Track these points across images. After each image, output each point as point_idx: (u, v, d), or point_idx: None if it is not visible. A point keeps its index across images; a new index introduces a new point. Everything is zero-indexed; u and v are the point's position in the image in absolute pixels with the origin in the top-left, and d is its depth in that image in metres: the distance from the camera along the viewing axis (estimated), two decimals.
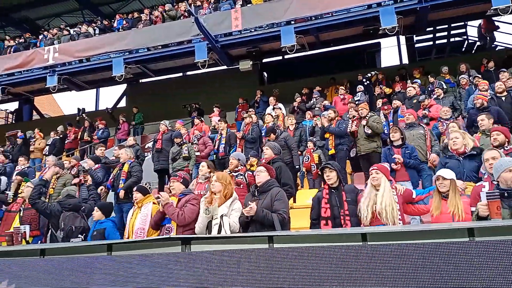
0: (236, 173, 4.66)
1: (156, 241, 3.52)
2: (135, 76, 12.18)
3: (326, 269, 2.79)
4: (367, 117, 5.87)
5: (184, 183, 4.25)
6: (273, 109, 8.78)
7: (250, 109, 9.14)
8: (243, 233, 3.41)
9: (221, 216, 3.49)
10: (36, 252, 3.84)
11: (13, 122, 15.59)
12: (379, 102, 7.93)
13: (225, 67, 11.40)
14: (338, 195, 3.46)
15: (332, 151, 6.26)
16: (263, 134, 7.29)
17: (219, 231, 3.46)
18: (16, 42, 12.98)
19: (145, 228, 4.21)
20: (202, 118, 9.66)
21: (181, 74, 14.24)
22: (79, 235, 4.47)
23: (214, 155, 7.34)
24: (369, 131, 5.73)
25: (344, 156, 6.25)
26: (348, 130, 6.01)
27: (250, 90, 11.40)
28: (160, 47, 10.50)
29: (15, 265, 3.73)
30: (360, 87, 9.17)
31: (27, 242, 4.44)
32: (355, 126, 5.95)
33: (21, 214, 4.77)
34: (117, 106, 14.52)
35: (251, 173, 4.64)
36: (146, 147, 10.46)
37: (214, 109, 10.05)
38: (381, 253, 2.69)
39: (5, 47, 12.60)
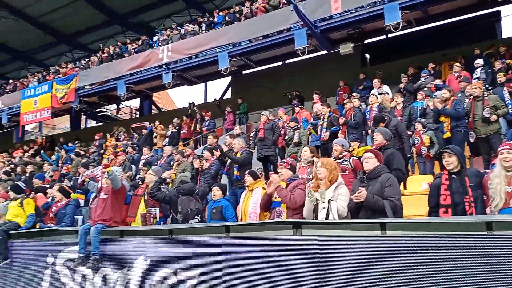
0: (341, 160, 4.65)
1: (270, 224, 3.73)
2: (238, 68, 12.79)
3: (445, 259, 2.67)
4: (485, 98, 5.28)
5: (291, 169, 4.38)
6: (379, 93, 8.40)
7: (353, 94, 8.90)
8: (353, 219, 3.41)
9: (329, 201, 3.52)
10: (165, 232, 4.39)
11: (137, 116, 17.66)
12: (500, 78, 7.02)
13: (325, 52, 11.26)
14: (461, 180, 3.20)
15: (447, 134, 5.78)
16: (367, 116, 7.08)
17: (327, 216, 3.49)
18: (136, 44, 14.58)
19: (257, 212, 4.48)
20: (302, 105, 9.73)
21: (280, 62, 14.49)
22: (196, 217, 4.92)
23: (318, 141, 7.37)
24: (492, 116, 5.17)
25: (462, 139, 5.72)
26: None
27: (351, 73, 11.09)
28: (261, 38, 10.81)
29: (149, 243, 4.31)
30: (478, 62, 8.21)
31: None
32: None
33: (145, 198, 5.28)
34: (223, 98, 15.43)
35: (356, 159, 4.60)
36: (250, 135, 10.95)
37: (314, 96, 10.03)
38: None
39: (128, 50, 14.21)
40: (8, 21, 17.23)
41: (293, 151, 6.96)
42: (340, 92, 10.08)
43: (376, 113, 6.62)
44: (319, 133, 7.41)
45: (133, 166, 8.74)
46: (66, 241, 4.87)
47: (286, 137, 7.40)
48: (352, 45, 10.09)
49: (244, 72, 14.61)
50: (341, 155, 4.69)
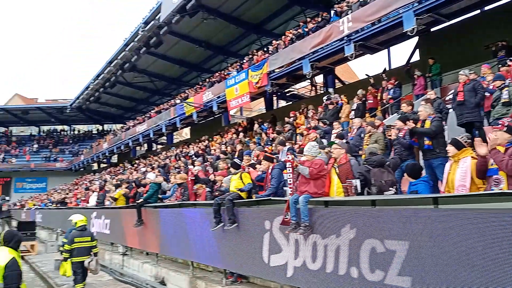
0: None
1: (486, 196, 3.42)
2: (426, 26, 11.64)
3: None
4: None
5: (509, 131, 3.81)
6: None
7: None
8: None
9: None
10: (368, 203, 4.55)
11: (322, 92, 18.29)
12: None
13: None
14: None
15: None
16: None
17: None
18: (316, 21, 14.95)
19: (466, 185, 4.14)
20: None
21: (478, 11, 12.45)
22: (390, 188, 4.86)
23: None
24: None
25: None
26: None
27: None
28: None
29: (353, 213, 4.54)
30: None
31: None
32: None
33: (337, 171, 5.47)
34: (410, 61, 14.36)
35: None
36: (446, 99, 9.93)
37: None
38: None
39: (309, 29, 14.71)
40: (209, 21, 20.24)
41: (501, 112, 6.03)
42: None
43: None
44: None
45: (324, 141, 9.17)
46: (278, 209, 5.56)
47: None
48: None
49: (433, 29, 13.20)
50: None
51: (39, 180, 51.22)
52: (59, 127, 57.65)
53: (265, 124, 14.46)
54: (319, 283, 4.70)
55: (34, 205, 29.88)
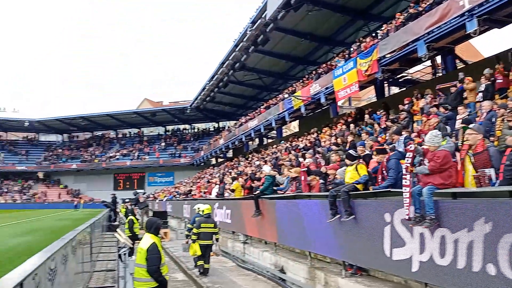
0: None
1: None
2: None
3: None
4: None
5: None
6: None
7: None
8: None
9: None
10: (505, 194, 4.11)
11: (440, 75, 16.78)
12: None
13: None
14: None
15: None
16: None
17: None
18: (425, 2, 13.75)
19: None
20: None
21: None
22: None
23: None
24: None
25: None
26: None
27: None
28: None
29: (487, 205, 4.15)
30: None
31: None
32: None
33: (472, 160, 5.02)
34: None
35: None
36: None
37: None
38: None
39: (421, 9, 13.60)
40: (313, 12, 20.16)
41: None
42: None
43: None
44: None
45: (448, 127, 8.46)
46: (398, 201, 5.36)
47: None
48: None
49: None
50: None
51: (167, 175, 57.50)
52: (181, 126, 63.81)
53: (377, 113, 13.88)
54: (449, 279, 4.42)
55: (164, 196, 33.62)
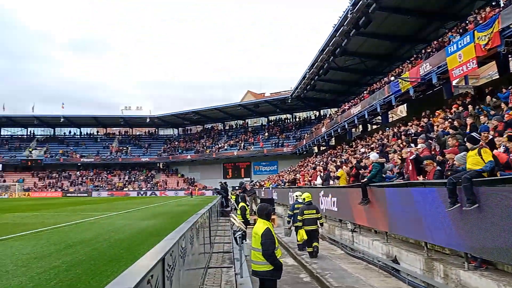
0: None
1: None
2: None
3: None
4: None
5: None
6: None
7: None
8: None
9: None
10: None
11: None
12: None
13: None
14: None
15: None
16: None
17: None
18: None
19: None
20: None
21: None
22: None
23: None
24: None
25: None
26: None
27: None
28: None
29: None
30: None
31: None
32: None
33: None
34: None
35: None
36: None
37: None
38: None
39: None
40: None
41: None
42: None
43: None
44: None
45: None
46: None
47: None
48: None
49: None
50: None
51: (271, 164, 59.27)
52: (283, 116, 65.00)
53: (503, 91, 12.34)
54: None
55: (270, 184, 34.78)
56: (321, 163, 25.58)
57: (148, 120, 70.15)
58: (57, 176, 68.98)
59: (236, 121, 69.94)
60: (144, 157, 69.78)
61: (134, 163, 70.12)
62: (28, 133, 76.09)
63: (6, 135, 75.81)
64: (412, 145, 11.48)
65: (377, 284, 7.57)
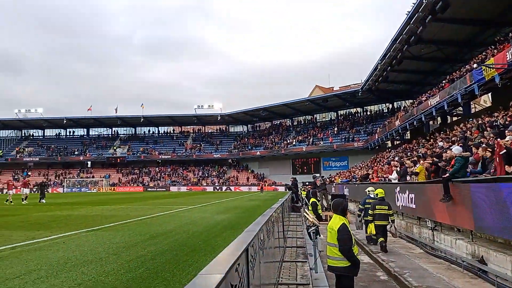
0: None
1: None
2: None
3: None
4: None
5: None
6: None
7: None
8: None
9: None
10: None
11: None
12: None
13: None
14: None
15: None
16: None
17: None
18: None
19: None
20: None
21: None
22: None
23: None
24: None
25: None
26: None
27: None
28: None
29: None
30: None
31: None
32: None
33: None
34: None
35: None
36: None
37: None
38: None
39: None
40: None
41: None
42: None
43: None
44: None
45: None
46: None
47: None
48: None
49: None
50: None
51: (341, 159, 58.11)
52: (353, 110, 63.24)
53: None
54: None
55: (340, 180, 34.13)
56: (396, 158, 24.48)
57: (219, 117, 72.62)
58: (138, 172, 74.35)
59: (304, 117, 69.52)
60: (216, 154, 72.38)
61: (206, 159, 73.08)
62: (113, 133, 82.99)
63: (94, 135, 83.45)
64: (499, 138, 10.54)
65: (461, 285, 7.13)
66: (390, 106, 54.87)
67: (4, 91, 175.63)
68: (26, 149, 77.48)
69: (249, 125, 78.41)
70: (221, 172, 70.91)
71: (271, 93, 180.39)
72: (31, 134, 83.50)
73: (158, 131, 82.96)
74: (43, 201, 28.69)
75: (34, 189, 44.42)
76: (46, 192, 30.02)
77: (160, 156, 74.37)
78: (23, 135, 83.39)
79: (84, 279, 6.11)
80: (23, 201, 27.81)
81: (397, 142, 41.65)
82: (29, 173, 59.98)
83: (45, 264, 7.18)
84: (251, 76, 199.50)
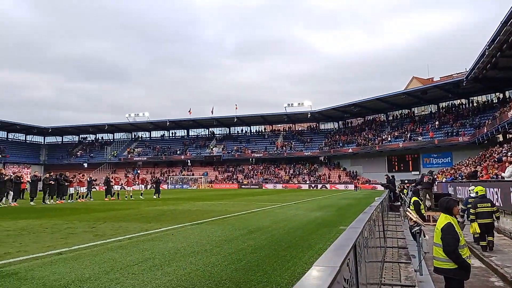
0: None
1: None
2: None
3: None
4: None
5: None
6: None
7: None
8: None
9: None
10: None
11: None
12: None
13: None
14: None
15: None
16: None
17: None
18: None
19: None
20: None
21: None
22: None
23: None
24: None
25: None
26: None
27: None
28: None
29: None
30: None
31: None
32: None
33: None
34: None
35: None
36: None
37: None
38: None
39: None
40: None
41: None
42: None
43: None
44: None
45: None
46: None
47: None
48: None
49: None
50: None
51: (443, 155, 53.60)
52: (456, 102, 57.86)
53: None
54: None
55: (444, 178, 31.52)
56: (509, 153, 21.79)
57: (309, 115, 72.31)
58: (233, 170, 77.75)
59: (400, 111, 65.60)
60: (306, 151, 72.24)
61: (297, 157, 73.34)
62: (209, 133, 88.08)
63: (193, 135, 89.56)
64: None
65: None
66: (501, 95, 48.92)
67: (115, 99, 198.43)
68: (136, 149, 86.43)
69: (340, 122, 76.67)
70: (312, 170, 70.53)
71: (360, 88, 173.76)
72: (140, 136, 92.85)
73: (250, 130, 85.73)
74: (157, 196, 31.56)
75: (149, 186, 49.40)
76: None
77: (252, 155, 76.77)
78: (133, 137, 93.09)
79: (193, 269, 6.62)
80: (141, 195, 31.23)
81: (510, 136, 37.00)
82: (139, 171, 66.66)
83: (158, 253, 7.94)
84: (338, 71, 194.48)
